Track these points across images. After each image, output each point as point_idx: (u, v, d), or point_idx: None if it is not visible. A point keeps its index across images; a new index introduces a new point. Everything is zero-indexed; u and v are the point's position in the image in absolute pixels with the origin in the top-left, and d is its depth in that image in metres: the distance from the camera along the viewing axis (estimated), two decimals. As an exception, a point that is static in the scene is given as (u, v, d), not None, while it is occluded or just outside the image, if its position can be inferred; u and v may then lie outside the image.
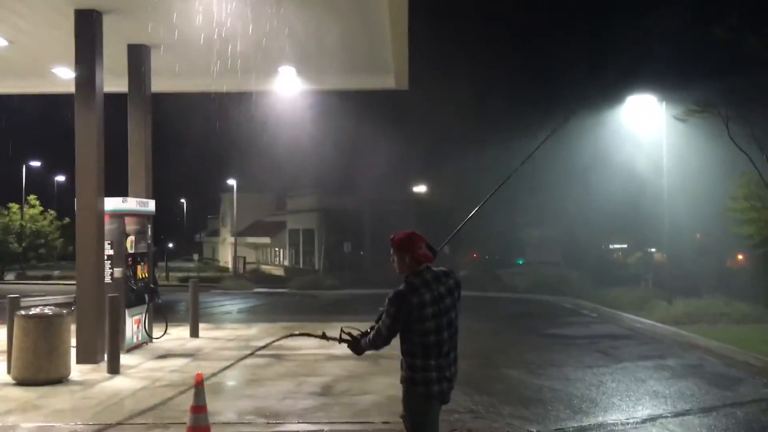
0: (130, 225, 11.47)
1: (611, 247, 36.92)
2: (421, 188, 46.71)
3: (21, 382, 8.85)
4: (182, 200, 75.89)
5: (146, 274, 11.86)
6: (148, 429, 6.83)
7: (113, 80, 12.93)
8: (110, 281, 10.94)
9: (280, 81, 14.73)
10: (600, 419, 7.36)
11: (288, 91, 15.64)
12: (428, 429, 4.38)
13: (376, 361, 10.42)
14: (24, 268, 43.17)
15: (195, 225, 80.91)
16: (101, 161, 10.67)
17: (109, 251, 10.97)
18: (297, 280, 33.99)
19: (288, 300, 25.94)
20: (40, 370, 8.87)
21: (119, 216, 11.09)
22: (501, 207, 35.33)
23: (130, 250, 11.35)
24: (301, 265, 46.35)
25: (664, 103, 18.21)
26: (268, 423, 7.12)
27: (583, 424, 7.17)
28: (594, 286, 22.93)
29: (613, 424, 7.17)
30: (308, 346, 11.95)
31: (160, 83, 13.42)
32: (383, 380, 8.95)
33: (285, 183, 51.05)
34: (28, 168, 46.98)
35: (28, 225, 42.06)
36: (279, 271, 46.17)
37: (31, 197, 42.95)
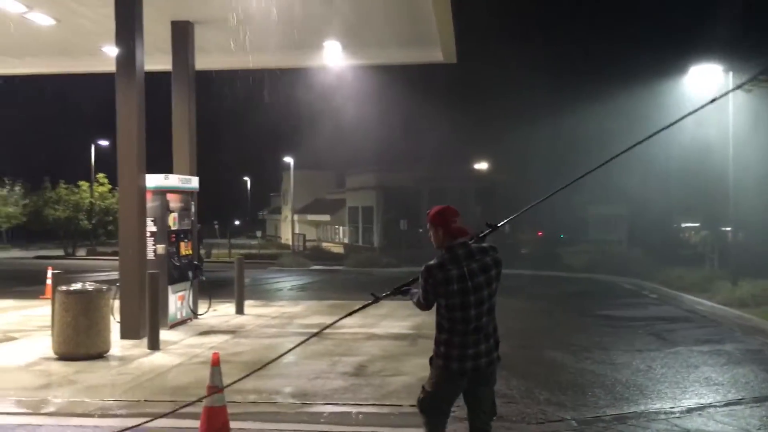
0: (173, 202, 11.53)
1: (683, 225, 35.56)
2: (481, 165, 46.02)
3: (62, 357, 9.00)
4: (246, 178, 77.19)
5: (190, 251, 11.93)
6: (174, 406, 6.78)
7: (160, 58, 13.00)
8: (153, 258, 11.03)
9: (325, 56, 14.52)
10: (642, 407, 6.93)
11: (333, 66, 15.41)
12: (438, 401, 4.33)
13: (415, 341, 10.21)
14: (94, 244, 44.66)
15: (259, 202, 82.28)
16: (142, 139, 10.70)
17: (151, 228, 11.05)
18: (353, 258, 34.04)
19: (343, 278, 25.94)
20: (79, 345, 9.00)
21: (161, 193, 11.15)
22: (565, 181, 34.40)
23: (173, 227, 11.42)
24: (360, 243, 46.45)
25: (730, 73, 17.16)
26: (294, 403, 7.00)
27: (623, 412, 6.76)
28: (657, 266, 22.04)
29: (656, 413, 6.74)
30: (350, 324, 11.72)
31: (204, 60, 13.40)
32: (418, 361, 8.70)
33: (345, 161, 51.19)
34: (97, 147, 48.43)
35: (98, 202, 43.43)
36: (338, 249, 46.43)
37: (100, 175, 44.34)
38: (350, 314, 5.18)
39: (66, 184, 45.40)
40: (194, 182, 12.15)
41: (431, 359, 4.35)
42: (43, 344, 9.75)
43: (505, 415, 6.57)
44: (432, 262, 4.29)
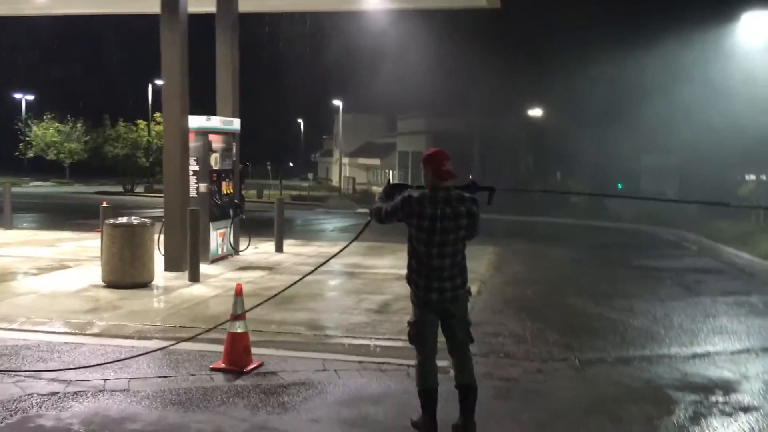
0: (216, 142, 11.99)
1: (747, 177, 34.54)
2: (534, 112, 45.34)
3: (109, 285, 9.68)
4: (299, 120, 77.83)
5: (231, 190, 12.44)
6: (205, 332, 7.33)
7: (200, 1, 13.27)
8: (195, 195, 11.58)
9: (370, 0, 14.59)
10: (647, 352, 7.17)
11: (377, 10, 15.47)
12: (420, 329, 4.73)
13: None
14: (151, 181, 46.15)
15: (313, 145, 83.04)
16: (185, 80, 11.13)
17: (194, 167, 11.57)
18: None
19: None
20: (125, 275, 9.65)
21: (204, 133, 11.61)
22: (619, 129, 33.79)
23: (215, 167, 11.91)
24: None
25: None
26: (315, 335, 7.45)
27: (626, 355, 7.02)
28: (704, 218, 21.74)
29: (660, 357, 6.97)
30: (383, 266, 12.26)
31: (247, 3, 13.64)
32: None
33: (397, 105, 51.11)
34: (155, 87, 49.50)
35: (155, 141, 44.68)
36: (388, 192, 46.83)
37: (157, 115, 45.39)
38: (351, 242, 6.18)
39: (125, 122, 46.82)
40: (236, 124, 12.58)
41: (409, 285, 4.77)
42: (94, 273, 10.45)
43: (511, 353, 6.92)
44: (414, 193, 4.65)
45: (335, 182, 55.16)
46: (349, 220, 25.84)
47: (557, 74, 39.29)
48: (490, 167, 41.91)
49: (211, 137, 11.77)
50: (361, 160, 56.35)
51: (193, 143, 11.48)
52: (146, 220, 10.07)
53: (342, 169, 51.79)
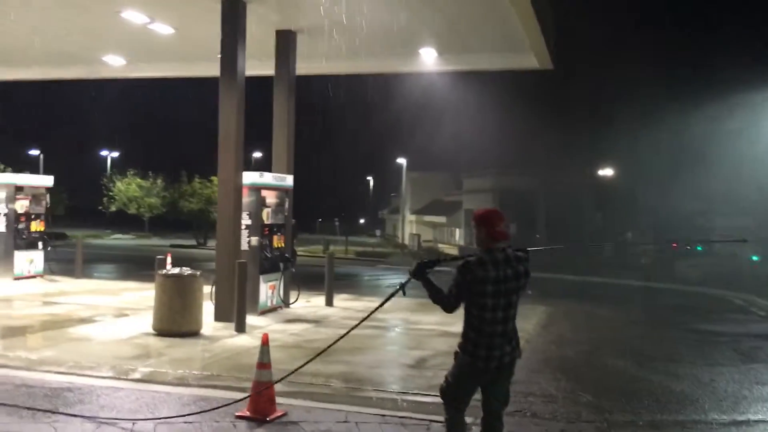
0: (269, 198, 12.44)
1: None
2: (603, 171, 44.75)
3: (159, 333, 10.08)
4: (369, 178, 79.09)
5: (282, 244, 12.80)
6: (239, 381, 7.55)
7: (263, 64, 13.97)
8: (247, 249, 11.98)
9: (421, 62, 15.02)
10: (682, 417, 6.93)
11: (430, 72, 15.89)
12: (461, 393, 4.71)
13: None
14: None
15: (381, 202, 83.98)
16: (240, 139, 11.68)
17: (246, 221, 12.00)
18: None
19: (445, 278, 26.24)
20: (173, 324, 10.04)
21: (257, 189, 12.07)
22: (688, 187, 32.97)
23: (267, 221, 12.32)
24: (474, 245, 46.47)
25: None
26: (345, 387, 7.55)
27: (659, 419, 6.82)
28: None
29: (694, 422, 6.74)
30: (428, 321, 12.28)
31: (304, 66, 14.25)
32: (478, 358, 9.04)
33: (464, 163, 51.44)
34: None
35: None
36: (453, 250, 46.72)
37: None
38: (380, 306, 5.74)
39: (200, 178, 48.72)
40: (288, 180, 13.02)
41: (456, 353, 4.67)
42: (147, 321, 10.86)
43: (538, 413, 6.83)
44: (471, 259, 4.56)
45: (402, 239, 55.51)
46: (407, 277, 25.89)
47: (626, 133, 38.94)
48: (556, 226, 41.42)
49: (264, 193, 12.22)
50: (427, 218, 56.57)
51: (246, 198, 11.94)
52: (197, 271, 10.47)
53: (408, 227, 52.10)
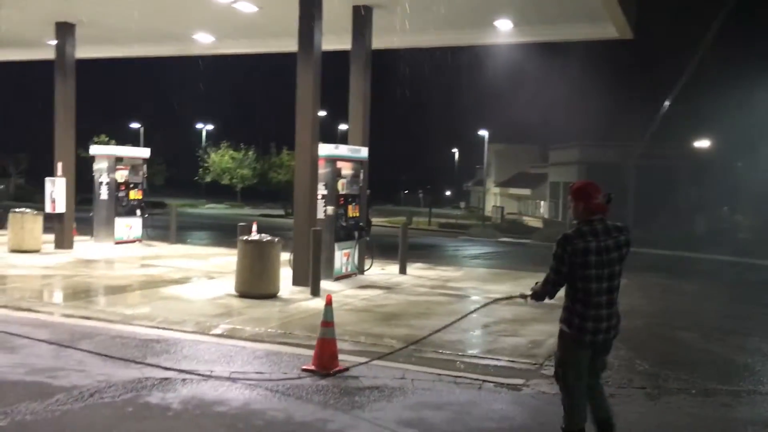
0: (344, 169, 12.94)
1: None
2: (699, 143, 43.03)
3: (240, 295, 10.82)
4: (454, 150, 78.96)
5: (357, 213, 13.31)
6: (309, 339, 8.11)
7: (339, 38, 14.38)
8: (323, 217, 12.55)
9: (498, 34, 15.06)
10: (737, 387, 6.99)
11: (505, 43, 15.88)
12: (572, 371, 4.68)
13: (552, 310, 10.65)
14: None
15: (466, 174, 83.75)
16: (317, 112, 12.20)
17: (322, 191, 12.55)
18: (543, 232, 34.11)
19: (524, 250, 26.28)
20: (253, 286, 10.75)
21: (332, 161, 12.59)
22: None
23: (342, 192, 12.83)
24: (559, 218, 45.94)
25: None
26: (405, 348, 7.96)
27: (712, 387, 6.89)
28: None
29: (749, 392, 6.78)
30: (497, 291, 12.52)
31: (380, 40, 14.57)
32: (540, 327, 9.30)
33: (550, 135, 50.62)
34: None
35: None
36: (537, 223, 46.35)
37: (318, 144, 48.22)
38: (492, 302, 6.26)
39: (289, 150, 50.08)
40: (363, 152, 13.46)
41: (562, 328, 4.65)
42: (231, 284, 11.64)
43: (590, 378, 7.03)
44: (570, 231, 4.57)
45: (487, 212, 55.43)
46: (488, 248, 26.09)
47: (727, 105, 37.26)
48: (645, 197, 40.28)
49: (339, 164, 12.73)
50: (512, 190, 56.17)
51: (322, 169, 12.47)
52: (275, 238, 11.12)
53: (492, 199, 51.89)
